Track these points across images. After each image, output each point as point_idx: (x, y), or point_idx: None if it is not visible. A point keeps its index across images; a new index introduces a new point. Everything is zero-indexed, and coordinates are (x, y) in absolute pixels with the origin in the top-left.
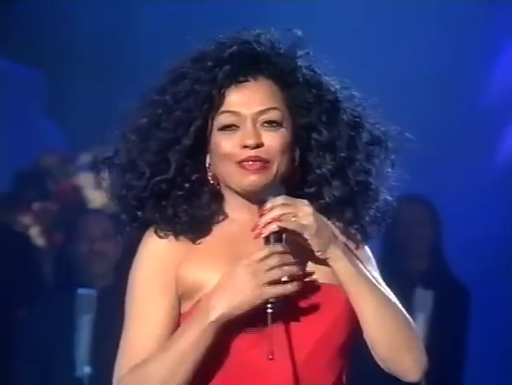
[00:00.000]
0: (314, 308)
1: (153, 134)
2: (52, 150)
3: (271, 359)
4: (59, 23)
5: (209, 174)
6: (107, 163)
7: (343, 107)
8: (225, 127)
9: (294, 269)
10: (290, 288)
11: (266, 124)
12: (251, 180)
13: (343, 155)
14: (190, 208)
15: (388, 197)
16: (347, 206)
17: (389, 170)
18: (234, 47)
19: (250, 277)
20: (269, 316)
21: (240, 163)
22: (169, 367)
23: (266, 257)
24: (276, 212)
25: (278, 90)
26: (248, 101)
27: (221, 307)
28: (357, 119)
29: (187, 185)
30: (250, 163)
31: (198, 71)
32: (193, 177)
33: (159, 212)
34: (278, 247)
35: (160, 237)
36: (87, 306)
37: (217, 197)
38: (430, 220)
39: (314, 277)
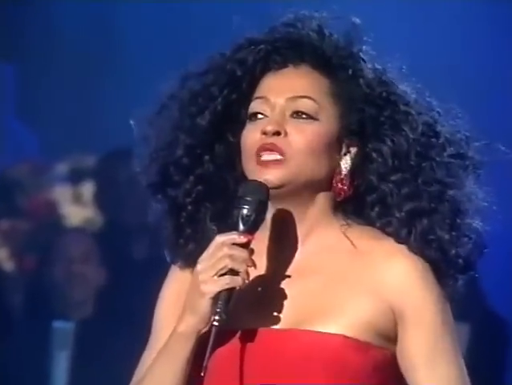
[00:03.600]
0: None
1: (171, 110)
2: (23, 158)
3: (202, 375)
4: (35, 14)
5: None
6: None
7: (413, 111)
8: (253, 115)
9: (243, 256)
10: (239, 279)
11: (295, 115)
12: (264, 178)
13: (412, 163)
14: (193, 232)
15: (477, 222)
16: (419, 219)
17: (476, 188)
18: (274, 28)
19: (200, 274)
20: (213, 329)
21: (258, 158)
22: None
23: (216, 249)
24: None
25: (325, 82)
26: (280, 87)
27: (186, 315)
28: (430, 126)
29: (189, 200)
30: (265, 155)
31: (229, 50)
32: (198, 188)
33: (174, 231)
34: (229, 237)
35: (175, 265)
36: (63, 341)
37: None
38: None
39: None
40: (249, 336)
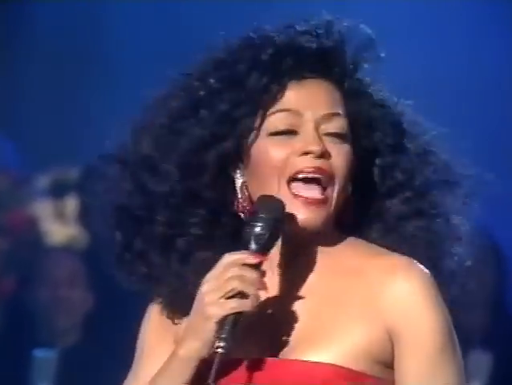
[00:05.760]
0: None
1: (186, 127)
2: (1, 170)
3: None
4: (14, 18)
5: (240, 198)
6: (109, 160)
7: (409, 132)
8: (279, 132)
9: (253, 277)
10: (249, 303)
11: (329, 135)
12: (307, 216)
13: (382, 190)
14: (179, 272)
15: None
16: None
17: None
18: (300, 35)
19: (206, 295)
20: (217, 356)
21: (289, 185)
22: None
23: (224, 269)
24: None
25: (341, 98)
26: (311, 100)
27: (188, 339)
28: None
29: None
30: (305, 191)
31: (257, 56)
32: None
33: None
34: (240, 256)
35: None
36: (44, 371)
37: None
38: (491, 264)
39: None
40: (235, 365)
